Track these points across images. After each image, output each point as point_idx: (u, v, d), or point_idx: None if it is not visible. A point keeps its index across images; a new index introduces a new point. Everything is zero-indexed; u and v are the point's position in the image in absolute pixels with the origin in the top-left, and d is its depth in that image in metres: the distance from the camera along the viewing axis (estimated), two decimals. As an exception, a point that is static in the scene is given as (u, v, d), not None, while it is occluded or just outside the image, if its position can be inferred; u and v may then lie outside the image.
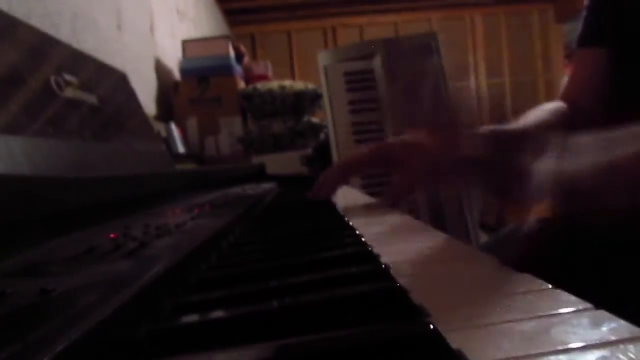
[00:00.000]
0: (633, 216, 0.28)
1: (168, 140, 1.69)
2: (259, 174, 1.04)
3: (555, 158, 0.31)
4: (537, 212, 0.29)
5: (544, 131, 0.59)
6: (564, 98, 0.67)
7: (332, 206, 0.53)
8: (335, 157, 1.48)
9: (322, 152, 1.65)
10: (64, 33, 1.00)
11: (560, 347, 0.14)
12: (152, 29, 1.79)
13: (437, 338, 0.14)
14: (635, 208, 0.28)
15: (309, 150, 1.79)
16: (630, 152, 0.29)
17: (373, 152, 0.52)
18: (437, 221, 1.40)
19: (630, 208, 0.28)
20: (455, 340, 0.15)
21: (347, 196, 0.67)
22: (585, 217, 0.28)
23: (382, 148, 0.51)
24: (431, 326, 0.14)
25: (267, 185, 0.88)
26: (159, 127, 1.65)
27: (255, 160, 1.70)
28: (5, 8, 0.73)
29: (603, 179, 0.29)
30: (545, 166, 0.31)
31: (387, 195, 0.50)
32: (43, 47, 0.55)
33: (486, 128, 0.35)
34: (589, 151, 0.31)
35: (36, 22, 0.86)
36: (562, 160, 0.31)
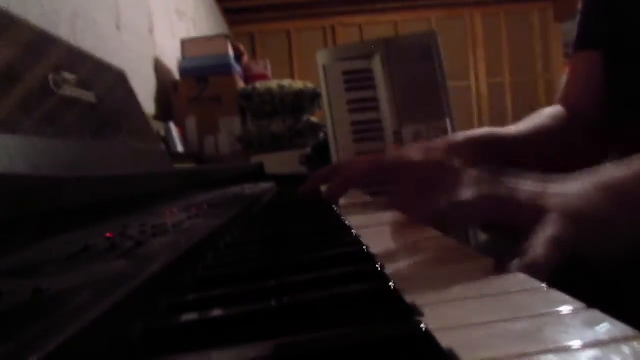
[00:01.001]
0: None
1: (167, 140, 1.69)
2: (258, 174, 1.04)
3: (555, 188, 0.30)
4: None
5: (541, 138, 0.59)
6: (562, 102, 0.67)
7: (330, 206, 0.53)
8: (334, 156, 1.48)
9: (321, 151, 1.65)
10: (62, 32, 1.00)
11: (552, 347, 0.14)
12: (151, 28, 1.79)
13: (428, 338, 0.14)
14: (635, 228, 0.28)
15: (308, 150, 1.79)
16: (631, 171, 0.29)
17: (375, 166, 0.52)
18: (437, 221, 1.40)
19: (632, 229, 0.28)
20: (447, 340, 0.15)
21: (345, 196, 0.67)
22: (596, 251, 0.27)
23: (383, 163, 0.51)
24: (422, 326, 0.14)
25: (265, 185, 0.88)
26: (158, 126, 1.65)
27: (254, 159, 1.70)
28: (3, 6, 0.73)
29: (608, 197, 0.29)
30: (547, 192, 0.30)
31: (385, 205, 0.50)
32: (41, 44, 0.55)
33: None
34: (580, 178, 0.31)
35: (34, 20, 0.86)
36: (561, 187, 0.30)
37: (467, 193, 0.30)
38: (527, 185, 0.31)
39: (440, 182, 0.34)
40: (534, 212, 0.29)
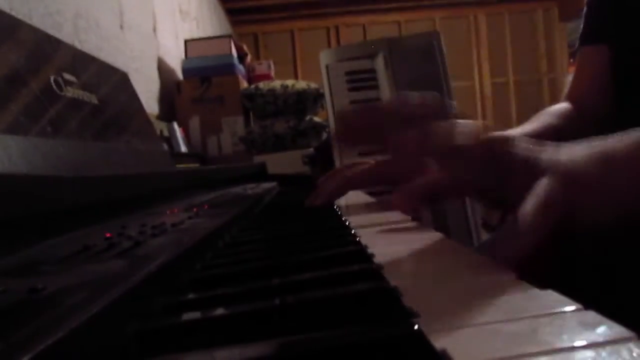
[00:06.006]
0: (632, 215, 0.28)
1: (170, 140, 1.69)
2: (260, 174, 1.05)
3: (550, 153, 0.31)
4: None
5: (548, 137, 0.58)
6: (569, 98, 0.66)
7: (331, 206, 0.53)
8: (337, 157, 1.48)
9: (324, 152, 1.65)
10: (66, 33, 1.01)
11: (547, 349, 0.14)
12: (154, 29, 1.79)
13: (421, 339, 0.14)
14: (632, 200, 0.27)
15: (311, 150, 1.79)
16: (626, 139, 0.29)
17: (375, 171, 0.52)
18: (439, 221, 1.40)
19: (628, 200, 0.27)
20: (441, 341, 0.15)
21: (347, 196, 0.67)
22: (587, 214, 0.27)
23: (385, 167, 0.51)
24: (415, 327, 0.14)
25: (267, 185, 0.88)
26: (162, 126, 1.65)
27: (257, 159, 1.70)
28: (6, 7, 0.74)
29: (601, 163, 0.28)
30: (541, 153, 0.30)
31: (386, 206, 0.50)
32: (43, 47, 0.56)
33: (482, 137, 0.35)
34: (582, 146, 0.31)
35: (38, 21, 0.87)
36: (556, 152, 0.30)
37: (463, 139, 0.31)
38: (523, 143, 0.31)
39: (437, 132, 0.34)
40: (527, 166, 0.29)
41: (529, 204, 0.27)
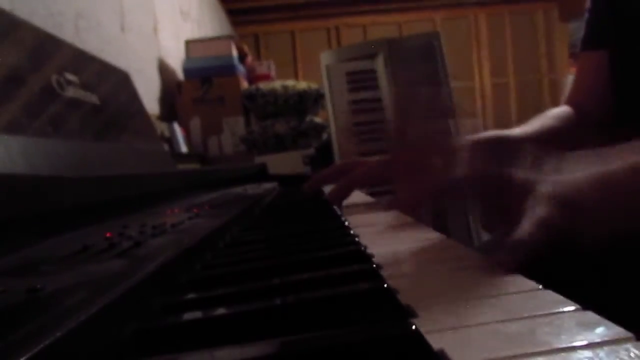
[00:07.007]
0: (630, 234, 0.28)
1: (171, 140, 1.69)
2: (261, 174, 1.05)
3: (550, 171, 0.31)
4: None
5: (548, 139, 0.59)
6: (569, 102, 0.67)
7: (331, 206, 0.53)
8: (337, 157, 1.48)
9: (325, 152, 1.65)
10: (67, 33, 1.01)
11: (544, 348, 0.14)
12: (155, 30, 1.80)
13: (419, 339, 0.14)
14: (630, 222, 0.28)
15: (312, 150, 1.79)
16: (624, 164, 0.30)
17: (375, 170, 0.52)
18: (440, 221, 1.40)
19: (626, 222, 0.28)
20: (439, 341, 0.15)
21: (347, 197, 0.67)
22: (583, 237, 0.28)
23: (384, 166, 0.52)
24: (413, 327, 0.14)
25: (268, 186, 0.88)
26: (163, 127, 1.65)
27: (258, 160, 1.70)
28: (7, 8, 0.74)
29: (599, 189, 0.29)
30: (540, 179, 0.31)
31: (389, 205, 0.51)
32: (45, 46, 0.56)
33: (482, 138, 0.36)
34: (583, 164, 0.31)
35: (39, 22, 0.87)
36: (557, 172, 0.31)
37: (460, 169, 0.31)
38: (521, 168, 0.32)
39: (436, 161, 0.35)
40: (525, 191, 0.30)
41: (525, 225, 0.27)
